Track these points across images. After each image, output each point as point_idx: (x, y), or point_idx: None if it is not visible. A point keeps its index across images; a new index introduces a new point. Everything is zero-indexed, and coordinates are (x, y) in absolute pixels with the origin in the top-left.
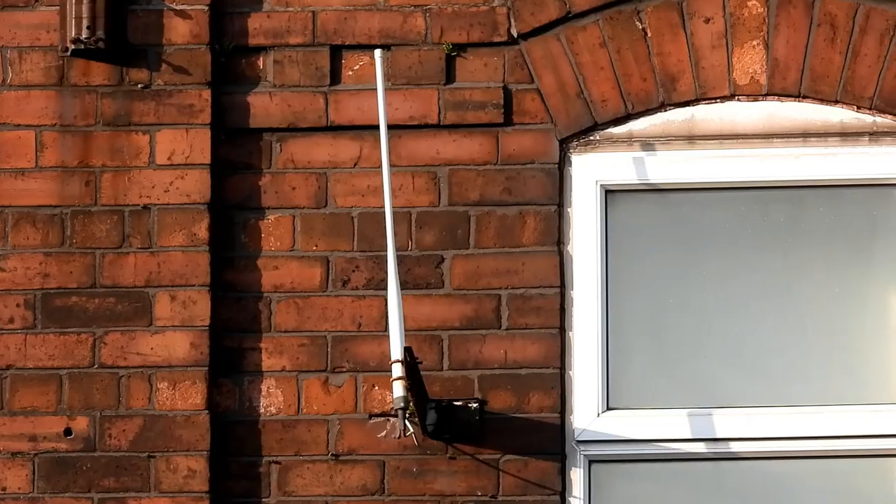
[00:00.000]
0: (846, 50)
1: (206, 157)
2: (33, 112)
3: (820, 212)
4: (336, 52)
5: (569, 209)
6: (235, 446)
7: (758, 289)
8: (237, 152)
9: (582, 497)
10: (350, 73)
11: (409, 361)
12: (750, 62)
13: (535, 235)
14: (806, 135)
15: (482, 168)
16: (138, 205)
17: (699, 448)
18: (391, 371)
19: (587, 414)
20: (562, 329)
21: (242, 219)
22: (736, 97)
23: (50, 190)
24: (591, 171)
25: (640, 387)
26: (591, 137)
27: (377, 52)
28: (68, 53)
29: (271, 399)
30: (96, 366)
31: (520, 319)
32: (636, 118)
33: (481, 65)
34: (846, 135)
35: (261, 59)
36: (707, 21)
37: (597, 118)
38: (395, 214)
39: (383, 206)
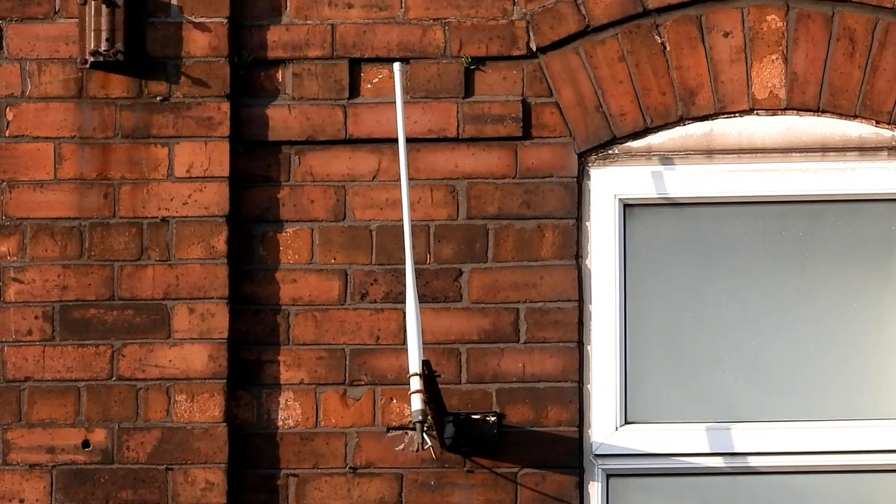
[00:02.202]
0: (865, 64)
1: (225, 170)
2: (52, 124)
3: (838, 226)
4: (355, 65)
5: (587, 223)
6: (253, 459)
7: (775, 303)
8: (256, 165)
9: None
10: (369, 86)
11: (428, 375)
12: (769, 76)
13: (554, 249)
14: (825, 149)
15: (500, 181)
16: (157, 217)
17: (717, 462)
18: (409, 384)
19: (605, 428)
20: (580, 343)
21: (261, 231)
22: (755, 111)
23: (68, 202)
24: (609, 185)
25: (657, 401)
26: (610, 151)
27: (396, 66)
28: (87, 66)
29: (289, 412)
30: (114, 378)
31: (538, 333)
32: (655, 132)
33: (500, 78)
34: (865, 149)
35: (280, 71)
36: (726, 35)
37: (615, 132)
38: (413, 228)
39: (402, 220)
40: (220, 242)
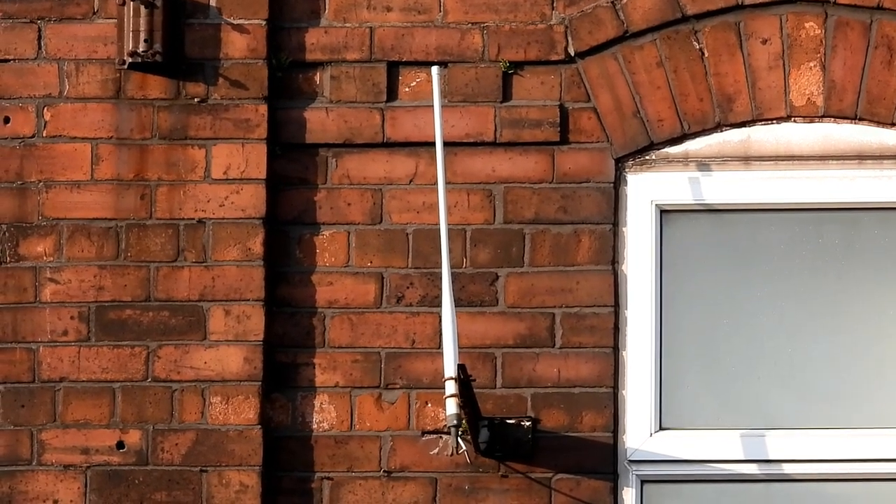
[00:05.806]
0: None
1: (262, 172)
2: (89, 125)
3: (874, 234)
4: (393, 68)
5: (624, 228)
6: (288, 461)
7: (811, 310)
8: (293, 167)
9: None
10: (407, 89)
11: (463, 379)
12: (806, 84)
13: (590, 254)
14: (861, 157)
15: (537, 186)
16: (193, 219)
17: (751, 469)
18: (444, 388)
19: (640, 433)
20: (615, 348)
21: (297, 234)
22: (792, 118)
23: (105, 203)
24: (646, 191)
25: (693, 407)
26: (647, 157)
27: (434, 69)
28: (125, 66)
29: (324, 414)
30: (149, 379)
31: (573, 338)
32: (692, 138)
33: (538, 83)
34: None
35: (317, 74)
36: (764, 42)
37: (653, 138)
38: (450, 231)
39: (438, 223)
40: (257, 244)
